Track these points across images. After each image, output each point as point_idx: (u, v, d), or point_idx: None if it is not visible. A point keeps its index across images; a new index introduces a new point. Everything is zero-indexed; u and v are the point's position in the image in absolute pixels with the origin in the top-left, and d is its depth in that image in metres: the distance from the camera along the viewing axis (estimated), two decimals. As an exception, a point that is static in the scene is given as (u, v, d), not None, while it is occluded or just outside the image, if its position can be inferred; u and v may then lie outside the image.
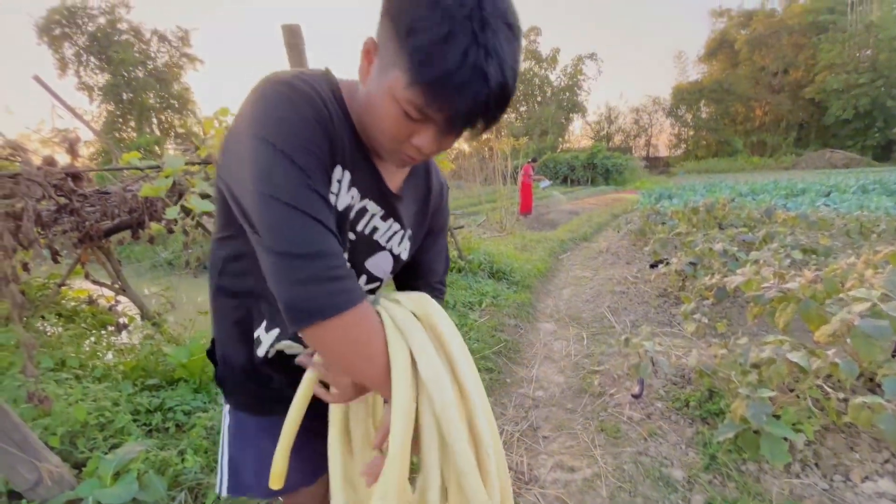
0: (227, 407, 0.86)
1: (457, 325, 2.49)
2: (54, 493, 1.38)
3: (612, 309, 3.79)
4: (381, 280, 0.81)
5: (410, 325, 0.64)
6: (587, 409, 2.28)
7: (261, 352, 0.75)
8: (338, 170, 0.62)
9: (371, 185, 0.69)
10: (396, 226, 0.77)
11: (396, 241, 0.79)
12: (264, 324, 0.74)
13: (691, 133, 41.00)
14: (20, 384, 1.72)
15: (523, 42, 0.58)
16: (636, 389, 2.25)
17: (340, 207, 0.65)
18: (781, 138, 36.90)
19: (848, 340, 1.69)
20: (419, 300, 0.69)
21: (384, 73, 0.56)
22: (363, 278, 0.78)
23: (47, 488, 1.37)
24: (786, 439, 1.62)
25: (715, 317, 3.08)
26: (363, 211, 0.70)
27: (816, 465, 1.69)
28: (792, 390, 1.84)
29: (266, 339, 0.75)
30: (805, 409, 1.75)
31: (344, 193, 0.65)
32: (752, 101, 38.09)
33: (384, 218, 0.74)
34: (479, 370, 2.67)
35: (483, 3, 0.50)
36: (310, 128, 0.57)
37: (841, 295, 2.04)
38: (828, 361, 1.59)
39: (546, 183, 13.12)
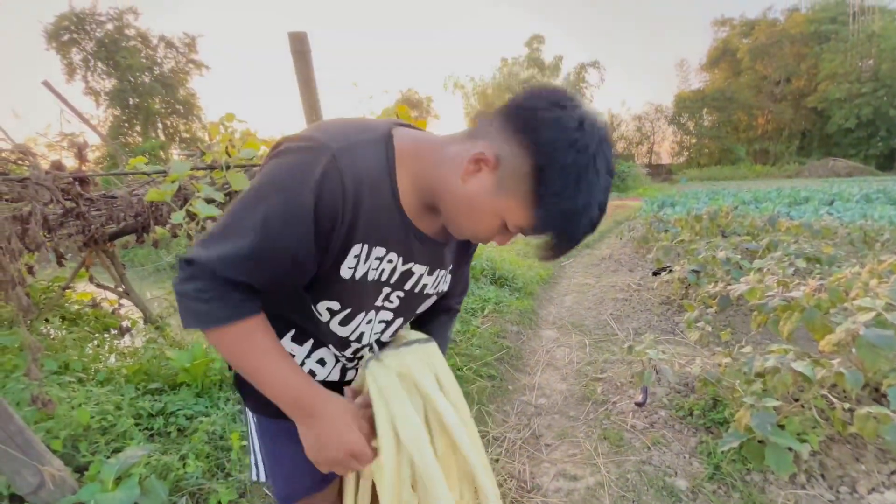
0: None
1: (459, 332, 2.48)
2: (56, 497, 1.38)
3: (615, 316, 3.78)
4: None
5: (391, 392, 0.69)
6: (590, 417, 2.27)
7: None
8: (356, 247, 0.64)
9: (418, 250, 0.71)
10: (442, 272, 0.80)
11: (442, 283, 0.83)
12: (291, 333, 0.77)
13: (694, 141, 40.99)
14: (24, 387, 1.72)
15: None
16: (640, 398, 2.24)
17: (357, 277, 0.68)
18: (784, 147, 36.87)
19: (853, 350, 1.68)
20: (404, 358, 0.73)
21: (500, 193, 0.60)
22: (412, 318, 0.84)
23: (49, 492, 1.37)
24: (791, 449, 1.61)
25: (718, 325, 3.06)
26: (409, 273, 0.73)
27: (822, 476, 1.67)
28: (797, 400, 1.83)
29: (300, 351, 0.79)
30: (810, 420, 1.74)
31: (362, 264, 0.67)
32: (755, 110, 38.12)
33: (430, 273, 0.77)
34: (481, 377, 2.67)
35: (610, 167, 0.59)
36: (306, 219, 0.58)
37: (845, 304, 2.03)
38: (833, 371, 1.58)
39: None
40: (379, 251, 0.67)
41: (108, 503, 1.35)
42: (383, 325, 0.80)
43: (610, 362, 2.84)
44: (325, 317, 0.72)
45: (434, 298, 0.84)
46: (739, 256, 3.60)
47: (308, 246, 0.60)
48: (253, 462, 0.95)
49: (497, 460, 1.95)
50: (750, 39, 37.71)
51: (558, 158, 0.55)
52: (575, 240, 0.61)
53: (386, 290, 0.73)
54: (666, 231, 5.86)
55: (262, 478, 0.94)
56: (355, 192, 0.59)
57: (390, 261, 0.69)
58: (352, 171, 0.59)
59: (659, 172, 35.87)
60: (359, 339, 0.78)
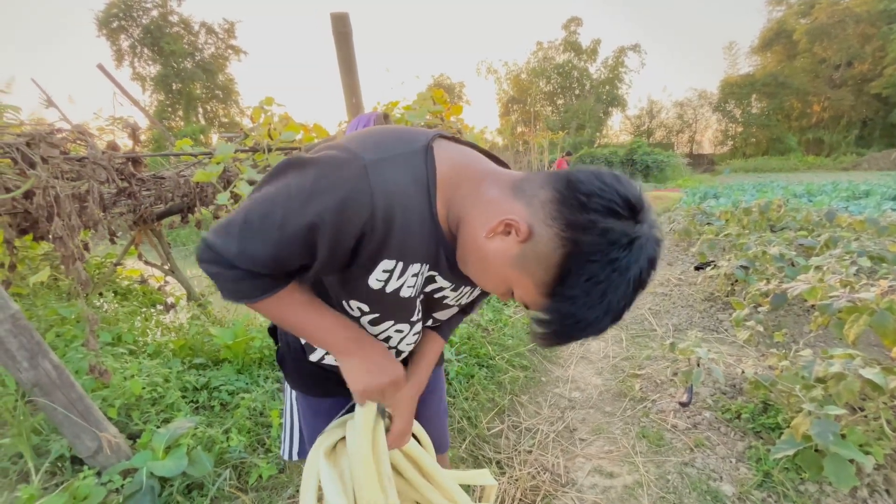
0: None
1: (491, 321, 2.46)
2: (112, 461, 1.46)
3: (653, 311, 3.64)
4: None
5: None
6: (627, 414, 2.20)
7: (314, 357, 0.82)
8: (387, 262, 0.62)
9: (443, 264, 0.68)
10: (467, 289, 0.77)
11: (465, 298, 0.80)
12: None
13: (740, 129, 38.66)
14: (82, 356, 1.82)
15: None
16: (684, 397, 2.15)
17: (388, 290, 0.66)
18: (841, 136, 34.20)
19: (932, 359, 1.53)
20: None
21: (517, 266, 0.57)
22: (430, 321, 0.82)
23: (106, 457, 1.44)
24: (852, 461, 1.50)
25: (769, 325, 2.89)
26: (431, 279, 0.71)
27: (887, 491, 1.55)
28: (860, 409, 1.69)
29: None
30: (875, 431, 1.61)
31: (395, 280, 0.65)
32: (810, 96, 35.44)
33: (454, 290, 0.75)
34: (514, 367, 2.64)
35: (644, 285, 0.55)
36: (346, 224, 0.56)
37: (921, 308, 1.85)
38: (908, 380, 1.45)
39: None
40: (415, 267, 0.65)
41: (159, 470, 1.42)
42: (416, 336, 0.81)
43: (649, 359, 2.74)
44: (355, 313, 0.72)
45: (454, 310, 0.83)
46: (794, 253, 3.37)
47: (325, 252, 0.58)
48: (287, 439, 0.98)
49: (530, 452, 1.93)
50: (808, 19, 34.90)
51: (589, 269, 0.52)
52: (570, 341, 0.58)
53: (418, 303, 0.73)
54: (710, 224, 5.58)
55: (295, 456, 0.97)
56: (386, 208, 0.56)
57: (421, 273, 0.68)
58: (384, 189, 0.55)
59: (700, 162, 34.20)
60: (386, 341, 0.78)
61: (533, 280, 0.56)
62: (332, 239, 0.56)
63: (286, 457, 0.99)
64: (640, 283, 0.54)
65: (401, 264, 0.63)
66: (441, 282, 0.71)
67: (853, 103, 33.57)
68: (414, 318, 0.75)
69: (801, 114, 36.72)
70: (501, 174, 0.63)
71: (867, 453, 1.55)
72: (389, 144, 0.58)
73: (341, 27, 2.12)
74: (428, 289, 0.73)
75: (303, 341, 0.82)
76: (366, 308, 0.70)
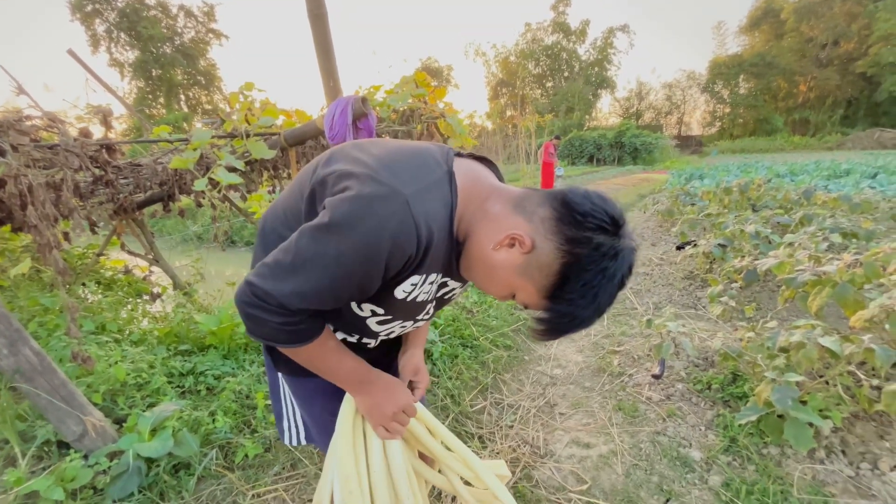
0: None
1: (476, 302, 2.51)
2: (98, 444, 1.49)
3: (635, 290, 3.72)
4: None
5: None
6: (605, 388, 2.28)
7: None
8: (416, 277, 0.69)
9: (455, 271, 0.75)
10: (469, 283, 0.84)
11: (463, 291, 0.90)
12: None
13: (727, 110, 38.81)
14: (65, 345, 1.83)
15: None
16: (657, 370, 2.23)
17: (409, 299, 0.73)
18: (826, 116, 34.55)
19: (886, 326, 1.61)
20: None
21: (522, 274, 0.66)
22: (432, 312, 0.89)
23: (92, 440, 1.47)
24: (811, 425, 1.58)
25: (743, 300, 2.98)
26: (444, 284, 0.79)
27: (843, 452, 1.65)
28: (821, 376, 1.78)
29: None
30: (834, 396, 1.70)
31: (417, 289, 0.72)
32: (797, 76, 35.60)
33: (462, 287, 0.84)
34: (497, 346, 2.70)
35: (625, 284, 0.64)
36: (380, 263, 0.61)
37: (881, 280, 1.94)
38: (862, 347, 1.52)
39: (560, 170, 12.31)
40: (433, 277, 0.72)
41: (145, 452, 1.45)
42: (416, 326, 0.88)
43: (628, 336, 2.82)
44: (365, 313, 0.77)
45: (451, 303, 0.91)
46: (770, 230, 3.46)
47: (376, 282, 0.64)
48: (291, 427, 1.01)
49: (511, 426, 2.00)
50: (796, -2, 34.81)
51: (584, 277, 0.62)
52: (564, 335, 0.69)
53: (429, 306, 0.80)
54: (693, 204, 5.67)
55: (303, 441, 1.00)
56: (428, 237, 0.62)
57: (435, 282, 0.74)
58: (425, 219, 0.61)
59: (688, 144, 34.38)
60: (388, 335, 0.85)
61: (535, 285, 0.66)
62: (384, 270, 0.62)
63: (294, 443, 1.02)
64: (621, 285, 0.65)
65: (424, 276, 0.70)
66: (452, 284, 0.80)
67: (839, 83, 33.81)
68: (421, 317, 0.82)
69: (788, 94, 36.94)
70: (503, 191, 0.71)
71: (826, 417, 1.64)
72: (419, 174, 0.64)
73: (316, 9, 2.10)
74: (441, 292, 0.80)
75: None
76: (380, 311, 0.76)
